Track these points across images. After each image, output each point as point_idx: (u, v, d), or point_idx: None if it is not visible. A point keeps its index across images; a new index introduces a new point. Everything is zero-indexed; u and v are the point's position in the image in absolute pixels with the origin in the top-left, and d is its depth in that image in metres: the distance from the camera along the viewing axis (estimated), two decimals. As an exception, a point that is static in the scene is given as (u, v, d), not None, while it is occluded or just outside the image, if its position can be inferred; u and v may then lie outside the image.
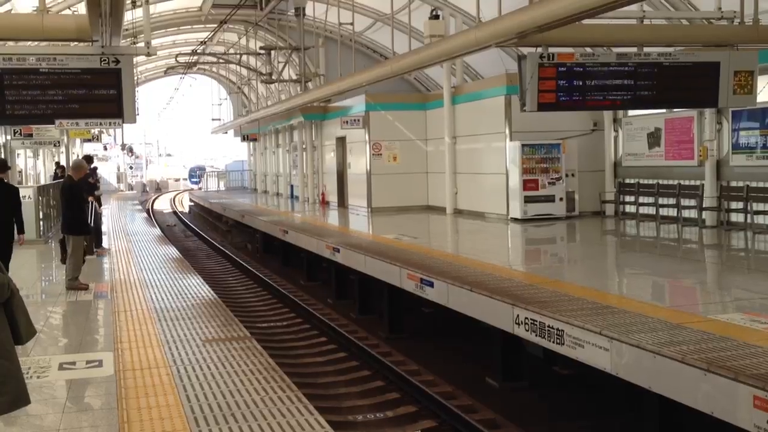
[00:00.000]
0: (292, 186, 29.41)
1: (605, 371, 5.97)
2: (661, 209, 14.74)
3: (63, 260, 11.58)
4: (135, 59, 9.47)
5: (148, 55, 9.34)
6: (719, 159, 13.62)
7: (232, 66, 32.93)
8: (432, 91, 22.35)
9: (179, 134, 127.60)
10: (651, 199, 15.09)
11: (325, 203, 24.94)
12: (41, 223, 16.57)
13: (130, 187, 55.84)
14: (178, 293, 9.81)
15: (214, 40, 28.58)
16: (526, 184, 15.99)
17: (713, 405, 4.91)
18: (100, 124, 9.49)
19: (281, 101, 26.16)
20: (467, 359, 9.72)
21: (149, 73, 38.31)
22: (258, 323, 12.27)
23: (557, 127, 16.48)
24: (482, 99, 17.65)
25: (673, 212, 14.45)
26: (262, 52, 24.56)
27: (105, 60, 8.61)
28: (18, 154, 26.80)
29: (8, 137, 21.44)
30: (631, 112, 15.89)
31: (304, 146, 26.78)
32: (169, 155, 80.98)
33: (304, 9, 21.97)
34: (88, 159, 16.10)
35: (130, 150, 64.69)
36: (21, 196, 10.06)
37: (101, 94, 8.68)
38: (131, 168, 63.92)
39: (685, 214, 14.14)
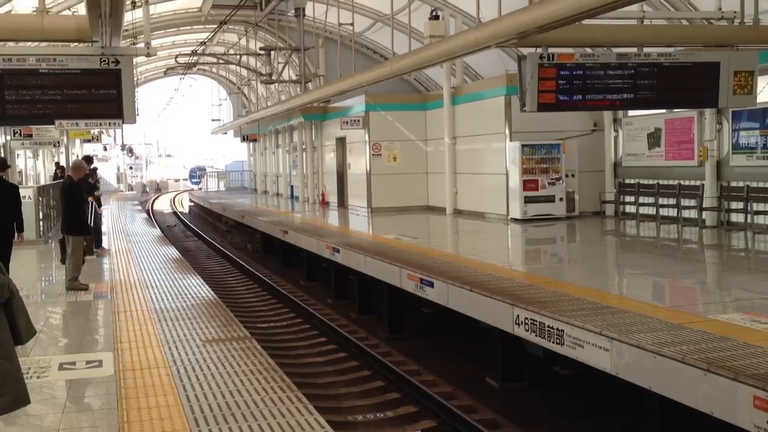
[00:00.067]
0: (292, 186, 29.41)
1: (605, 371, 5.97)
2: (661, 209, 14.74)
3: (63, 260, 11.58)
4: (135, 60, 9.48)
5: (148, 55, 9.34)
6: (719, 159, 13.62)
7: (232, 66, 32.94)
8: (432, 92, 22.36)
9: (179, 135, 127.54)
10: (651, 200, 15.09)
11: (325, 203, 24.94)
12: (41, 223, 16.57)
13: (130, 188, 55.84)
14: (178, 293, 9.81)
15: (214, 41, 28.58)
16: (526, 185, 15.99)
17: (713, 405, 4.91)
18: (100, 124, 9.50)
19: (281, 102, 26.16)
20: (467, 359, 9.72)
21: (149, 73, 38.32)
22: (258, 323, 12.27)
23: (557, 128, 16.48)
24: (482, 99, 17.66)
25: (673, 212, 14.45)
26: (262, 52, 24.56)
27: (105, 60, 8.61)
28: (18, 155, 26.81)
29: (8, 138, 21.44)
30: (631, 113, 15.89)
31: (304, 147, 26.79)
32: (169, 156, 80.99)
33: (304, 9, 21.98)
34: (88, 159, 16.10)
35: (130, 150, 64.70)
36: (21, 196, 10.07)
37: (101, 95, 8.68)
38: (131, 168, 63.92)
39: (686, 214, 14.14)
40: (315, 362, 9.87)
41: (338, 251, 12.75)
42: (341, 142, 23.21)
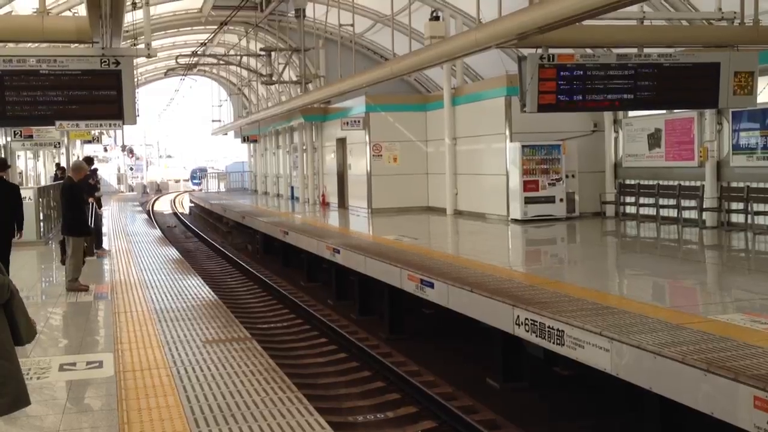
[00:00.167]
0: (292, 187, 29.42)
1: (605, 372, 5.97)
2: (661, 210, 14.74)
3: (63, 261, 11.58)
4: (135, 61, 9.47)
5: (149, 56, 9.35)
6: (719, 160, 13.62)
7: (233, 67, 32.98)
8: (432, 92, 22.37)
9: (179, 135, 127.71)
10: (651, 200, 15.09)
11: (325, 204, 24.95)
12: (41, 224, 16.58)
13: (131, 189, 55.85)
14: (179, 294, 9.81)
15: (215, 42, 28.61)
16: (527, 185, 15.99)
17: (713, 405, 4.91)
18: (101, 125, 9.49)
19: (281, 102, 26.18)
20: (467, 360, 9.72)
21: (149, 74, 38.34)
22: (258, 324, 12.27)
23: (557, 128, 16.48)
24: (482, 100, 17.66)
25: (673, 213, 14.44)
26: (263, 53, 24.59)
27: (105, 61, 8.62)
28: (18, 156, 26.82)
29: (9, 138, 21.46)
30: (631, 113, 15.89)
31: (304, 147, 26.79)
32: (169, 156, 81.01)
33: (304, 10, 21.99)
34: (89, 160, 16.09)
35: (131, 151, 64.66)
36: (21, 196, 10.09)
37: (101, 96, 8.69)
38: (131, 169, 63.92)
39: (686, 214, 14.14)
40: (315, 363, 9.87)
41: (338, 252, 12.75)
42: (341, 142, 23.21)
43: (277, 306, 13.85)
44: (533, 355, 8.20)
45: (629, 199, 15.76)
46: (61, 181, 14.18)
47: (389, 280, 10.60)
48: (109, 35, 8.33)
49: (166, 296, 9.67)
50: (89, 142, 34.42)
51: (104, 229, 17.24)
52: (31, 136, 21.02)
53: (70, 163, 18.40)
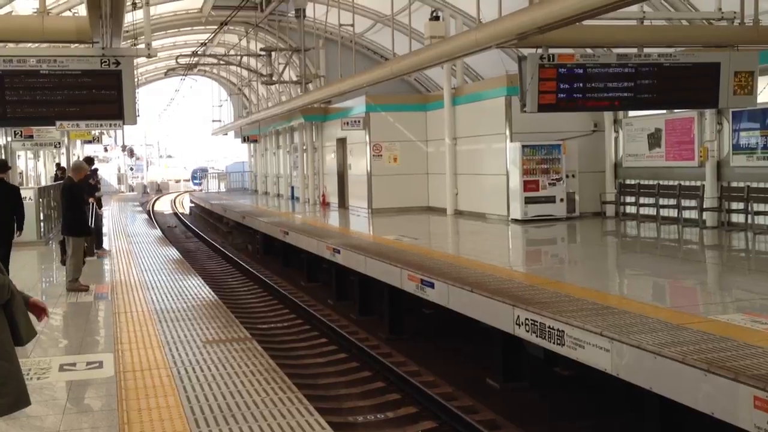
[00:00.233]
0: (292, 187, 29.43)
1: (606, 372, 5.97)
2: (661, 210, 14.73)
3: (63, 261, 11.59)
4: (135, 61, 9.47)
5: (149, 56, 9.35)
6: (720, 160, 13.62)
7: (233, 67, 32.98)
8: (432, 92, 22.37)
9: (180, 136, 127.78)
10: (651, 200, 15.09)
11: (325, 204, 24.95)
12: (42, 224, 16.58)
13: (131, 189, 55.85)
14: (179, 294, 9.81)
15: (215, 42, 28.61)
16: (527, 185, 15.99)
17: (714, 405, 4.91)
18: (101, 125, 9.49)
19: (282, 102, 26.18)
20: (468, 360, 9.72)
21: (150, 74, 38.34)
22: (258, 324, 12.27)
23: (557, 128, 16.48)
24: (483, 100, 17.66)
25: (673, 213, 14.44)
26: (263, 53, 24.59)
27: (105, 61, 8.62)
28: (18, 156, 26.82)
29: (9, 139, 21.45)
30: (631, 113, 15.89)
31: (304, 147, 26.79)
32: (169, 157, 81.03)
33: (304, 10, 21.99)
34: (89, 160, 16.09)
35: (131, 151, 64.64)
36: (21, 197, 10.12)
37: (102, 96, 8.69)
38: (132, 169, 63.93)
39: (686, 214, 14.14)
40: (315, 363, 9.87)
41: (339, 252, 12.75)
42: (342, 142, 23.21)
43: (278, 306, 13.85)
44: (533, 356, 8.20)
45: (629, 199, 15.75)
46: (62, 182, 14.19)
47: (389, 280, 10.60)
48: (110, 35, 8.33)
49: (166, 296, 9.67)
50: (89, 142, 34.42)
51: (104, 230, 17.24)
52: (31, 136, 21.01)
53: (71, 163, 18.41)
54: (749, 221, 12.78)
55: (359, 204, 21.59)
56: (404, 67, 13.76)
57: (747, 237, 12.61)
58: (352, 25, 18.62)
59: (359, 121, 20.78)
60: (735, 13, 10.51)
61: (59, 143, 23.36)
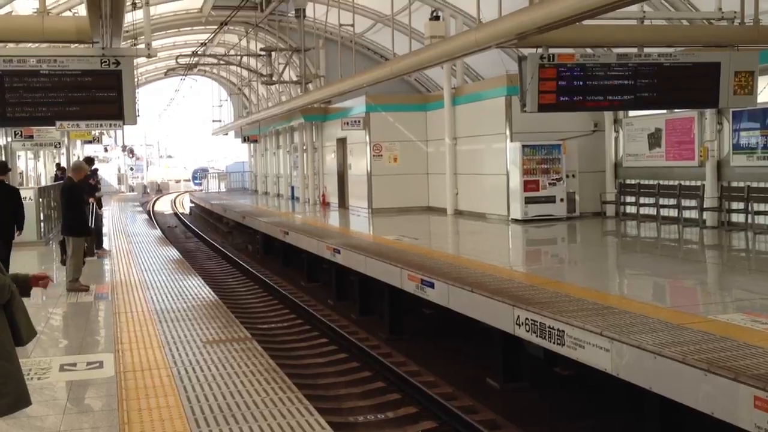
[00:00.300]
0: (292, 187, 29.43)
1: (606, 372, 5.97)
2: (661, 210, 14.73)
3: (63, 262, 11.59)
4: (135, 61, 9.47)
5: (149, 56, 9.35)
6: (720, 159, 13.62)
7: (233, 67, 32.98)
8: (432, 92, 22.37)
9: (180, 136, 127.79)
10: (652, 200, 15.09)
11: (325, 204, 24.95)
12: (42, 224, 16.58)
13: (131, 189, 55.85)
14: (179, 294, 9.81)
15: (215, 42, 28.61)
16: (527, 185, 15.99)
17: (714, 405, 4.91)
18: (101, 125, 9.49)
19: (282, 102, 26.18)
20: (468, 360, 9.72)
21: (150, 74, 38.34)
22: (259, 324, 12.27)
23: (558, 128, 16.48)
24: (483, 100, 17.66)
25: (673, 213, 14.44)
26: (263, 53, 24.59)
27: (105, 62, 8.62)
28: (19, 156, 26.82)
29: (9, 139, 21.46)
30: (631, 113, 15.89)
31: (304, 147, 26.80)
32: (170, 157, 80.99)
33: (304, 10, 21.99)
34: (89, 161, 16.10)
35: (131, 151, 64.67)
36: (22, 197, 10.13)
37: (102, 96, 8.69)
38: (132, 169, 63.91)
39: (686, 214, 14.14)
40: (316, 363, 9.87)
41: (339, 252, 12.75)
42: (342, 142, 23.21)
43: (278, 306, 13.85)
44: (533, 356, 8.20)
45: (630, 199, 15.76)
46: (61, 182, 14.19)
47: (389, 280, 10.60)
48: (110, 35, 8.33)
49: (166, 296, 9.67)
50: (90, 142, 34.43)
51: (104, 230, 17.24)
52: (31, 137, 21.02)
53: (70, 163, 18.42)
54: (749, 221, 12.77)
55: (359, 204, 21.58)
56: (404, 67, 13.75)
57: (747, 237, 12.61)
58: (352, 25, 18.62)
59: (359, 121, 20.78)
60: (735, 13, 10.51)
61: (59, 143, 23.37)
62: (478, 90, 18.32)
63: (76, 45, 9.26)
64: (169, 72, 36.62)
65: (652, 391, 5.49)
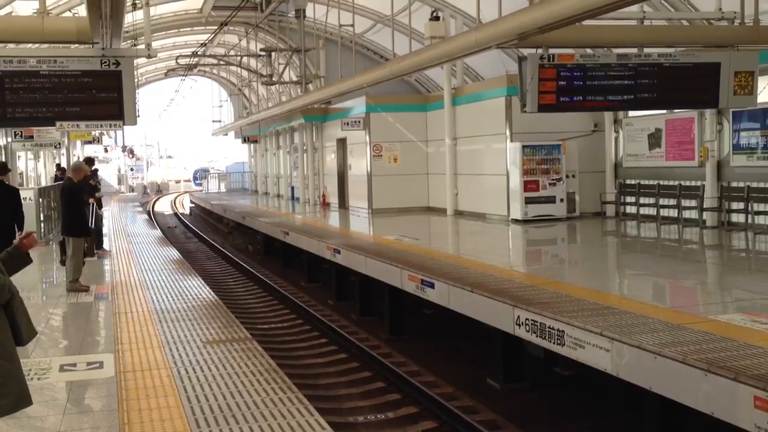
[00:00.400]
0: (292, 187, 29.43)
1: (606, 372, 5.97)
2: (661, 210, 14.73)
3: (62, 262, 11.59)
4: (135, 61, 9.47)
5: (149, 57, 9.35)
6: (720, 159, 13.62)
7: (233, 68, 32.98)
8: (432, 93, 22.38)
9: (180, 136, 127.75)
10: (652, 200, 15.09)
11: (325, 205, 24.95)
12: (42, 224, 16.59)
13: (131, 189, 55.86)
14: (179, 295, 9.81)
15: (215, 42, 28.60)
16: (527, 185, 15.99)
17: (714, 405, 4.91)
18: (101, 126, 9.49)
19: (282, 103, 26.18)
20: (468, 360, 9.72)
21: (150, 75, 38.34)
22: (259, 325, 12.27)
23: (558, 128, 16.48)
24: (483, 100, 17.66)
25: (673, 213, 14.44)
26: (263, 53, 24.58)
27: (105, 62, 8.62)
28: (19, 156, 26.81)
29: (9, 139, 21.46)
30: (631, 113, 15.89)
31: (304, 148, 26.80)
32: (170, 157, 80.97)
33: (304, 11, 21.98)
34: (90, 161, 16.10)
35: (131, 152, 64.67)
36: (22, 198, 10.14)
37: (102, 96, 8.68)
38: (132, 170, 63.90)
39: (686, 214, 14.14)
40: (316, 363, 9.87)
41: (339, 252, 12.75)
42: (342, 143, 23.21)
43: (278, 306, 13.85)
44: (533, 356, 8.20)
45: (630, 199, 15.76)
46: (61, 182, 14.19)
47: (390, 280, 10.60)
48: (110, 36, 8.33)
49: (166, 297, 9.67)
50: (90, 142, 34.40)
51: (105, 230, 17.24)
52: (31, 137, 21.02)
53: (70, 163, 18.41)
54: (749, 221, 12.77)
55: (359, 204, 21.59)
56: (404, 67, 13.75)
57: (747, 237, 12.61)
58: (352, 26, 18.62)
59: (359, 122, 20.78)
60: (735, 13, 10.50)
61: (59, 144, 23.37)
62: (478, 90, 18.32)
63: (76, 45, 9.25)
64: (169, 72, 36.60)
65: (652, 391, 5.49)
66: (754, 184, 12.93)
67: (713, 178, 13.62)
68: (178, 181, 64.60)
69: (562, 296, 7.54)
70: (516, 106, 12.21)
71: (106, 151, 55.51)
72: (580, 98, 9.95)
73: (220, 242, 24.73)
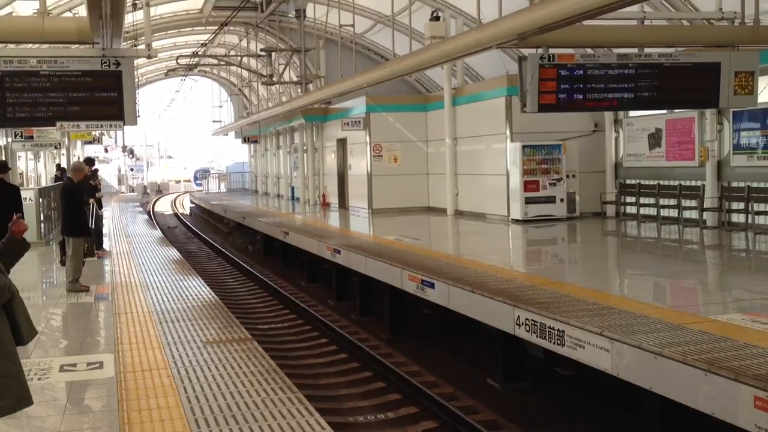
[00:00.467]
0: (292, 188, 29.44)
1: (606, 372, 5.96)
2: (662, 210, 14.73)
3: (62, 262, 11.59)
4: (136, 61, 9.47)
5: (149, 57, 9.35)
6: (720, 159, 13.62)
7: (233, 68, 32.99)
8: (432, 93, 22.38)
9: (180, 136, 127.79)
10: (652, 200, 15.09)
11: (325, 205, 24.96)
12: (42, 224, 16.59)
13: (131, 189, 55.87)
14: (179, 295, 9.81)
15: (215, 42, 28.61)
16: (527, 185, 15.99)
17: (714, 406, 4.91)
18: (101, 126, 9.50)
19: (282, 103, 26.18)
20: (468, 360, 9.72)
21: (150, 75, 38.35)
22: (259, 325, 12.27)
23: (558, 128, 16.48)
24: (483, 100, 17.66)
25: (674, 213, 14.44)
26: (263, 53, 24.59)
27: (106, 62, 8.62)
28: (19, 156, 26.81)
29: (9, 139, 21.46)
30: (631, 113, 15.89)
31: (304, 148, 26.80)
32: (170, 157, 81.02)
33: (304, 11, 22.00)
34: (90, 161, 16.10)
35: (131, 152, 64.70)
36: (22, 197, 10.15)
37: (102, 97, 8.68)
38: (132, 170, 63.93)
39: (686, 214, 14.14)
40: (316, 363, 9.87)
41: (339, 252, 12.75)
42: (342, 143, 23.22)
43: (278, 306, 13.85)
44: (533, 356, 8.20)
45: (630, 199, 15.75)
46: (62, 182, 14.19)
47: (390, 280, 10.60)
48: (110, 36, 8.33)
49: (166, 297, 9.67)
50: (90, 142, 34.44)
51: (105, 230, 17.24)
52: (31, 137, 21.03)
53: (70, 164, 18.42)
54: (749, 221, 12.77)
55: (359, 204, 21.59)
56: (404, 67, 13.75)
57: (747, 237, 12.61)
58: (353, 26, 18.63)
59: (359, 122, 20.78)
60: (735, 13, 10.50)
61: (59, 144, 23.38)
62: (478, 90, 18.32)
63: (77, 46, 9.25)
64: (169, 72, 36.62)
65: (653, 391, 5.49)
66: (755, 184, 12.93)
67: (713, 178, 13.62)
68: (178, 182, 64.62)
69: (562, 296, 7.54)
70: (516, 106, 12.22)
71: (106, 151, 55.53)
72: (581, 98, 9.94)
73: (221, 242, 24.73)
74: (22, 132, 20.19)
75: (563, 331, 6.46)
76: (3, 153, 21.89)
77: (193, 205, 38.65)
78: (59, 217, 15.45)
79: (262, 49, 24.81)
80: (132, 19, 16.42)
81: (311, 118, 25.32)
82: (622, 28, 10.73)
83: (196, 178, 62.90)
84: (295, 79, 24.38)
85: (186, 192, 53.67)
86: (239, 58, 28.27)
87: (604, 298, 7.46)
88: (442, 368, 9.30)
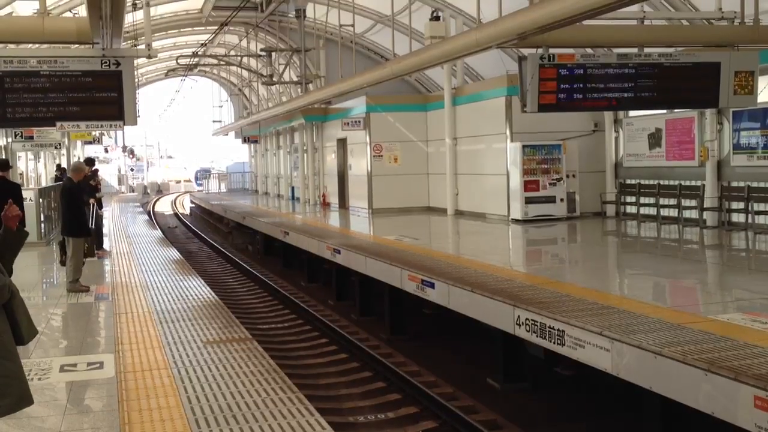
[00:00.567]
0: (293, 187, 29.44)
1: (606, 372, 5.97)
2: (662, 210, 14.73)
3: (62, 262, 11.60)
4: (136, 61, 9.47)
5: (149, 57, 9.35)
6: (720, 159, 13.62)
7: (233, 68, 32.99)
8: (433, 93, 22.38)
9: (180, 136, 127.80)
10: (652, 200, 15.09)
11: (326, 205, 24.96)
12: (42, 225, 16.59)
13: (132, 189, 55.87)
14: (179, 295, 9.82)
15: (215, 42, 28.61)
16: (527, 185, 15.99)
17: (714, 405, 4.91)
18: (101, 126, 9.50)
19: (282, 103, 26.18)
20: (468, 360, 9.72)
21: (150, 75, 38.34)
22: (259, 325, 12.27)
23: (558, 128, 16.48)
24: (483, 100, 17.67)
25: (674, 213, 14.44)
26: (263, 53, 24.59)
27: (106, 62, 8.62)
28: (19, 157, 26.83)
29: (9, 139, 21.47)
30: (631, 113, 15.89)
31: (305, 148, 26.80)
32: (170, 157, 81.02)
33: (304, 11, 22.00)
34: (90, 161, 16.11)
35: (131, 152, 64.70)
36: (22, 194, 10.16)
37: (102, 97, 8.69)
38: (132, 170, 63.93)
39: (686, 214, 14.14)
40: (316, 363, 9.87)
41: (339, 252, 12.75)
42: (342, 143, 23.22)
43: (278, 306, 13.85)
44: (534, 355, 8.20)
45: (630, 199, 15.76)
46: (62, 182, 14.20)
47: (390, 280, 10.60)
48: (110, 36, 8.33)
49: (166, 297, 9.67)
50: (90, 143, 34.43)
51: (105, 230, 17.24)
52: (31, 137, 21.04)
53: (70, 164, 18.43)
54: (749, 221, 12.77)
55: (359, 204, 21.59)
56: (404, 67, 13.75)
57: (747, 237, 12.61)
58: (353, 26, 18.62)
59: (360, 122, 20.78)
60: (735, 13, 10.51)
61: (60, 144, 23.38)
62: (478, 90, 18.32)
63: (77, 46, 9.25)
64: (169, 73, 36.62)
65: (653, 391, 5.49)
66: (755, 184, 12.93)
67: (713, 178, 13.62)
68: (178, 182, 64.61)
69: (562, 296, 7.54)
70: (516, 105, 12.22)
71: (106, 151, 55.53)
72: (580, 98, 9.95)
73: (221, 242, 24.73)
74: (22, 132, 20.21)
75: (563, 331, 6.46)
76: (3, 153, 21.90)
77: (193, 205, 38.65)
78: (59, 218, 15.45)
79: (262, 49, 24.81)
80: (132, 19, 16.42)
81: (311, 118, 25.32)
82: (622, 27, 10.73)
83: (197, 178, 62.89)
84: (295, 79, 24.38)
85: (186, 192, 53.67)
86: (239, 58, 28.28)
87: (604, 298, 7.46)
88: (442, 368, 9.31)
